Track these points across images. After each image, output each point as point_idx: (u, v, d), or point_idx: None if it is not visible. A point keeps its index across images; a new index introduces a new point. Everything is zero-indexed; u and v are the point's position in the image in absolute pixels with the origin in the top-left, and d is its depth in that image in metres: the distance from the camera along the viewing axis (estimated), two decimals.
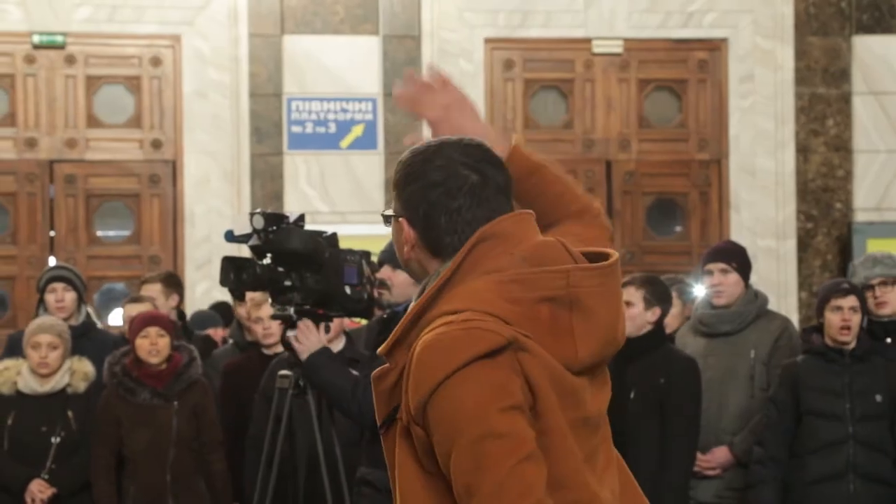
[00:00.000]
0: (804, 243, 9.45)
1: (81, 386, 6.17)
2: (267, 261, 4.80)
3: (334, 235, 4.90)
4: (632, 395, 5.42)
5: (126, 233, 9.23)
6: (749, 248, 6.68)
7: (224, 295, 7.46)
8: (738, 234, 9.13)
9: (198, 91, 9.04)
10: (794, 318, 8.80)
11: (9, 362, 6.27)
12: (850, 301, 5.63)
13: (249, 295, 5.75)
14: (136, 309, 6.45)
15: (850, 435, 5.55)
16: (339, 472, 4.91)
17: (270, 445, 4.96)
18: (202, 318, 7.91)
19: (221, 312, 7.67)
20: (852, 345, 5.63)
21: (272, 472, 4.94)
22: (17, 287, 9.07)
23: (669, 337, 6.00)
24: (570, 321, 2.24)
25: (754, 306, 5.99)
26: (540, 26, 9.37)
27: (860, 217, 9.45)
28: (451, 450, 2.15)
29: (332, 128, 9.17)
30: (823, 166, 9.49)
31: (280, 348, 5.52)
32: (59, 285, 6.65)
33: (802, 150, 9.48)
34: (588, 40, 9.46)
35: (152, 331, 6.00)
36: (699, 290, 6.71)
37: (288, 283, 4.79)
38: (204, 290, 8.89)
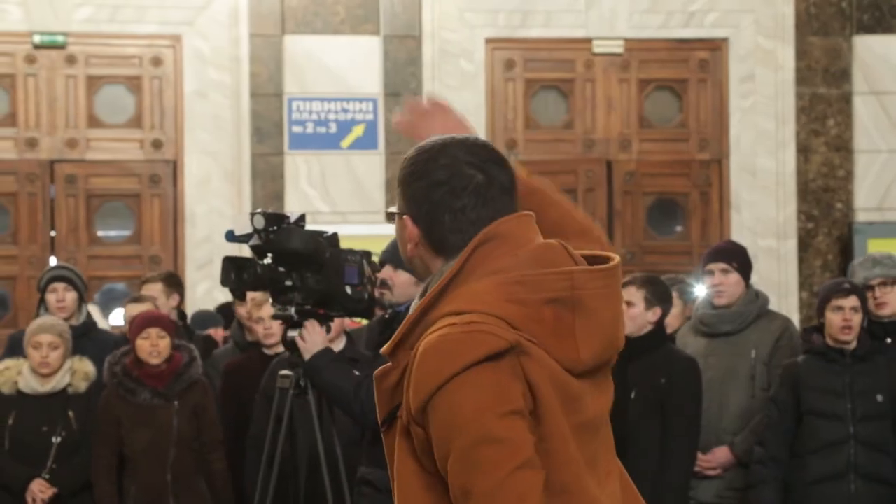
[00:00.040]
0: (805, 243, 9.45)
1: (82, 386, 6.17)
2: (268, 261, 4.80)
3: (335, 235, 4.90)
4: (632, 395, 5.42)
5: (127, 233, 9.24)
6: (750, 248, 6.68)
7: (225, 295, 7.47)
8: (738, 234, 9.13)
9: (198, 91, 9.04)
10: (795, 318, 8.80)
11: (10, 362, 6.27)
12: (852, 301, 5.63)
13: (250, 295, 5.74)
14: (138, 309, 6.45)
15: (851, 435, 5.55)
16: (340, 472, 4.90)
17: (271, 445, 4.96)
18: (203, 318, 7.92)
19: (226, 314, 7.67)
20: (853, 345, 5.63)
21: (273, 472, 4.94)
22: (17, 287, 9.07)
23: (670, 337, 6.00)
24: (573, 323, 2.23)
25: (755, 306, 5.98)
26: (540, 26, 9.37)
27: (861, 217, 9.45)
28: (449, 452, 2.15)
29: (333, 128, 9.17)
30: (824, 166, 9.49)
31: (281, 348, 5.52)
32: (59, 285, 6.65)
33: (803, 150, 9.48)
34: (589, 40, 9.46)
35: (153, 332, 6.00)
36: (700, 290, 6.71)
37: (289, 283, 4.79)
38: (205, 290, 8.89)
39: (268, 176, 9.08)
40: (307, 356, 4.79)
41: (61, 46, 9.05)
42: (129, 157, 9.18)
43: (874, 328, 5.82)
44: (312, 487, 4.99)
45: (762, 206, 9.41)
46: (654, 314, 5.61)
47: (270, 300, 4.97)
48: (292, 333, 4.85)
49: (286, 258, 4.75)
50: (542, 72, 9.52)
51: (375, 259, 5.18)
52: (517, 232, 2.30)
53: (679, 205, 9.63)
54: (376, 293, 4.98)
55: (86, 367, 6.21)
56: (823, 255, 9.46)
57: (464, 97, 9.23)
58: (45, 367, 6.10)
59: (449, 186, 2.30)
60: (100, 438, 6.06)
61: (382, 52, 9.19)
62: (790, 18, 9.46)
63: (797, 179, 9.45)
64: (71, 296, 6.65)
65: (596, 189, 9.47)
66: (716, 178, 9.56)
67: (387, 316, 4.84)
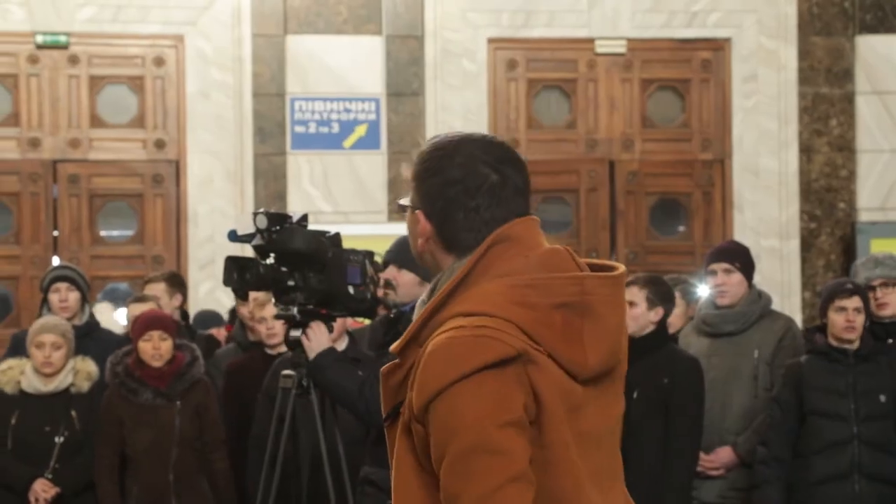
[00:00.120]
0: (808, 243, 9.45)
1: (85, 385, 6.17)
2: (270, 260, 4.80)
3: (337, 235, 4.90)
4: (635, 395, 5.42)
5: (129, 233, 9.24)
6: (752, 248, 6.67)
7: (227, 294, 7.47)
8: (741, 234, 9.13)
9: (201, 91, 9.04)
10: (798, 318, 8.80)
11: (12, 362, 6.28)
12: (855, 302, 5.63)
13: (253, 295, 5.74)
14: (140, 308, 6.45)
15: (855, 435, 5.54)
16: (343, 472, 4.90)
17: (273, 445, 4.96)
18: (205, 318, 7.92)
19: (235, 316, 7.66)
20: (856, 345, 5.63)
21: (275, 472, 4.94)
22: (20, 287, 9.07)
23: (673, 337, 6.00)
24: (582, 328, 2.24)
25: (758, 306, 5.98)
26: (543, 26, 9.37)
27: (864, 217, 9.44)
28: (445, 455, 2.16)
29: (336, 128, 9.17)
30: (827, 166, 9.49)
31: (283, 348, 5.52)
32: (62, 285, 6.65)
33: (806, 150, 9.47)
34: (591, 40, 9.46)
35: (155, 334, 6.00)
36: (703, 291, 6.70)
37: (291, 282, 4.79)
38: (207, 289, 8.89)
39: (270, 176, 9.08)
40: (312, 355, 4.79)
41: (64, 46, 9.06)
42: (132, 157, 9.18)
43: (876, 329, 5.82)
44: (315, 487, 4.99)
45: (765, 206, 9.41)
46: (657, 314, 5.60)
47: (273, 300, 4.97)
48: (295, 333, 4.86)
49: (289, 258, 4.75)
50: (545, 72, 9.52)
51: (378, 259, 5.18)
52: (528, 235, 2.31)
53: (682, 205, 9.63)
54: (381, 293, 4.98)
55: (88, 366, 6.21)
56: (826, 256, 9.45)
57: (466, 97, 9.23)
58: (47, 367, 6.10)
59: (464, 185, 2.30)
60: (102, 438, 6.06)
61: (385, 52, 9.19)
62: (793, 18, 9.46)
63: (800, 179, 9.45)
64: (74, 296, 6.65)
65: (598, 189, 9.47)
66: (718, 178, 9.56)
67: (392, 315, 4.84)
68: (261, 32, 9.08)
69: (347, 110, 9.17)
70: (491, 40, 9.36)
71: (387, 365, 2.34)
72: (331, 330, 4.88)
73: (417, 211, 2.35)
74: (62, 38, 9.03)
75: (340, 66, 9.15)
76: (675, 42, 9.52)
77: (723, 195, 9.54)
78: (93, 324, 6.78)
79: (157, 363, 6.00)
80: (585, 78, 9.53)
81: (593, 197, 9.47)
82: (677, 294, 6.28)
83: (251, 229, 4.70)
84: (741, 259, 6.04)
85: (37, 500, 6.07)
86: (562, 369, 2.22)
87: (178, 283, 7.26)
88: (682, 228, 9.66)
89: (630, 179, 9.53)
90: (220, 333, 7.63)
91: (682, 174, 9.60)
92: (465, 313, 2.21)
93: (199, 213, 9.02)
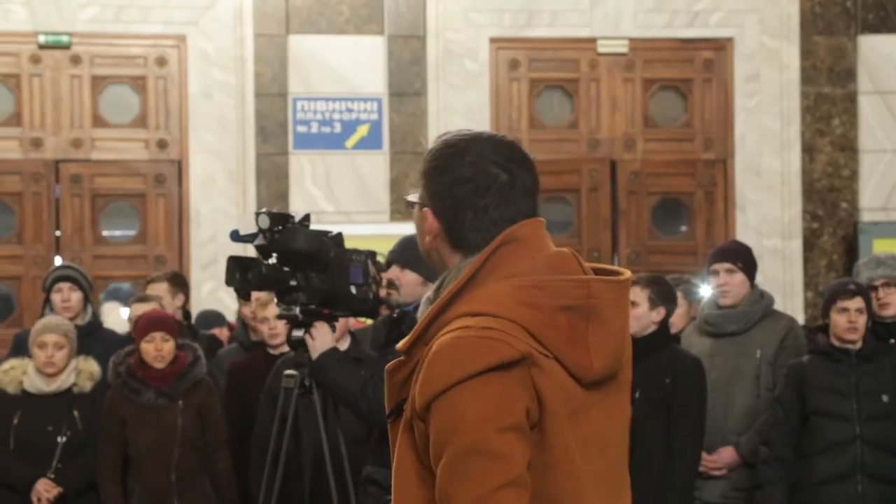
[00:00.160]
0: (810, 243, 9.44)
1: (87, 385, 6.17)
2: (272, 260, 4.80)
3: (340, 235, 4.90)
4: (637, 396, 5.41)
5: (132, 232, 9.24)
6: (755, 247, 6.67)
7: (230, 294, 7.47)
8: (743, 234, 9.13)
9: (203, 91, 9.04)
10: (800, 318, 8.80)
11: (15, 362, 6.28)
12: (857, 303, 5.63)
13: (255, 295, 5.74)
14: (143, 308, 6.44)
15: (858, 435, 5.54)
16: (345, 472, 4.90)
17: (276, 445, 4.96)
18: (207, 318, 7.92)
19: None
20: (858, 345, 5.63)
21: (278, 472, 4.94)
22: (22, 287, 9.08)
23: (675, 337, 6.00)
24: (586, 331, 2.24)
25: (760, 306, 5.98)
26: (545, 26, 9.37)
27: (866, 217, 9.44)
28: (443, 454, 2.16)
29: (338, 128, 9.17)
30: (829, 166, 9.48)
31: (285, 348, 5.52)
32: (65, 285, 6.65)
33: (808, 150, 9.47)
34: (593, 40, 9.46)
35: (157, 336, 5.99)
36: (705, 290, 6.70)
37: (293, 282, 4.79)
38: (209, 289, 8.90)
39: (272, 176, 9.08)
40: (315, 354, 4.79)
41: (66, 46, 9.06)
42: (134, 157, 9.19)
43: (878, 328, 5.82)
44: (317, 487, 4.98)
45: (767, 205, 9.40)
46: (658, 314, 5.60)
47: (275, 300, 4.97)
48: (297, 333, 4.85)
49: (291, 258, 4.75)
50: (547, 71, 9.52)
51: (380, 259, 5.18)
52: (535, 236, 2.31)
53: (684, 205, 9.63)
54: (384, 293, 4.98)
55: (91, 366, 6.21)
56: (828, 255, 9.45)
57: (468, 97, 9.23)
58: (50, 367, 6.10)
59: (473, 184, 2.30)
60: (104, 438, 6.06)
61: (387, 52, 9.19)
62: (795, 18, 9.45)
63: (802, 179, 9.45)
64: (76, 295, 6.65)
65: (599, 189, 9.47)
66: (721, 177, 9.55)
67: (395, 315, 4.84)
68: (263, 32, 9.09)
69: (349, 110, 9.17)
70: (493, 40, 9.36)
71: (392, 362, 2.34)
72: (333, 330, 4.88)
73: (426, 208, 2.35)
74: (64, 38, 9.04)
75: (342, 66, 9.15)
76: (678, 42, 9.52)
77: (725, 195, 9.54)
78: (95, 324, 6.78)
79: (159, 364, 6.00)
80: (587, 78, 9.54)
81: (594, 197, 9.47)
82: (679, 294, 6.27)
83: (253, 229, 4.70)
84: (743, 259, 6.04)
85: (39, 499, 6.07)
86: (566, 372, 2.22)
87: (180, 283, 7.26)
88: (684, 228, 9.66)
89: (632, 179, 9.53)
90: (222, 333, 7.64)
91: (684, 174, 9.60)
92: (472, 313, 2.21)
93: (202, 213, 9.02)
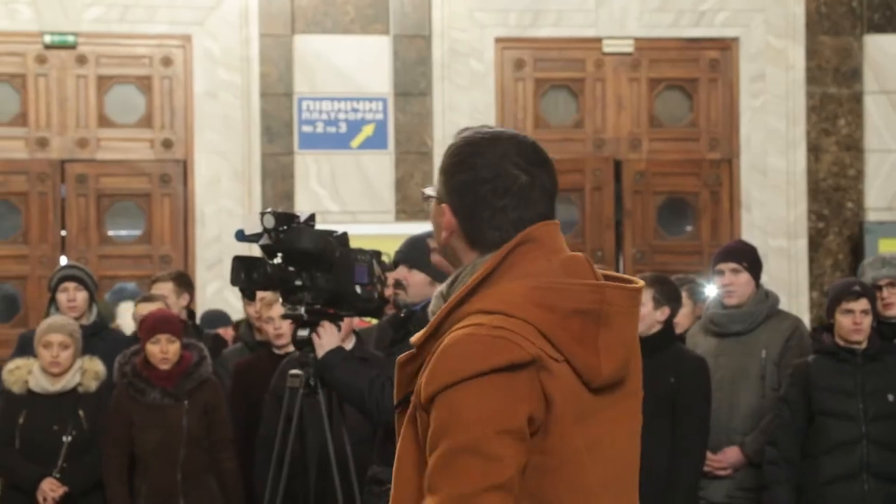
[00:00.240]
0: (815, 243, 9.43)
1: (92, 385, 6.18)
2: (277, 260, 4.80)
3: (345, 235, 4.90)
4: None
5: (137, 232, 9.25)
6: (760, 247, 6.67)
7: (235, 294, 7.47)
8: (749, 234, 9.12)
9: (208, 91, 9.05)
10: (806, 318, 8.79)
11: (20, 361, 6.28)
12: (862, 304, 5.62)
13: (260, 294, 5.75)
14: (148, 308, 6.44)
15: (864, 435, 5.54)
16: (350, 471, 4.91)
17: (281, 445, 4.96)
18: (212, 318, 7.93)
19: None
20: (864, 345, 5.63)
21: (283, 472, 4.94)
22: (28, 286, 9.09)
23: (680, 337, 5.99)
24: (597, 336, 2.24)
25: (765, 306, 5.98)
26: (551, 26, 9.37)
27: (872, 216, 9.43)
28: (437, 447, 2.16)
29: (343, 127, 9.17)
30: (835, 165, 9.47)
31: (290, 348, 5.53)
32: (70, 284, 6.66)
33: (814, 150, 9.46)
34: (599, 40, 9.45)
35: (163, 337, 5.99)
36: (710, 290, 6.70)
37: (298, 282, 4.79)
38: (215, 289, 8.90)
39: (278, 175, 9.09)
40: (321, 352, 4.79)
41: (72, 46, 9.07)
42: (140, 157, 9.20)
43: (883, 328, 5.82)
44: (322, 487, 4.99)
45: (773, 205, 9.40)
46: (663, 313, 5.60)
47: (280, 300, 4.97)
48: (302, 333, 4.86)
49: (296, 258, 4.75)
50: (552, 71, 9.52)
51: (385, 259, 5.18)
52: (552, 238, 2.32)
53: (689, 204, 9.62)
54: (391, 293, 4.98)
55: (96, 366, 6.21)
56: (834, 255, 9.44)
57: (473, 97, 9.23)
58: (55, 367, 6.11)
59: (493, 185, 2.30)
60: (110, 438, 6.06)
61: (392, 52, 9.19)
62: (801, 18, 9.44)
63: (808, 179, 9.44)
64: (82, 295, 6.66)
65: (603, 188, 9.46)
66: (726, 177, 9.55)
67: (402, 315, 4.84)
68: (268, 32, 9.09)
69: (355, 110, 9.18)
70: (498, 40, 9.36)
71: (404, 353, 2.35)
72: (338, 329, 4.89)
73: (443, 204, 2.36)
74: (70, 38, 9.04)
75: (348, 66, 9.15)
76: (683, 41, 9.52)
77: (730, 195, 9.53)
78: (100, 323, 6.79)
79: (164, 366, 6.00)
80: (593, 77, 9.53)
81: (598, 196, 9.47)
82: (685, 294, 6.27)
83: (258, 229, 4.70)
84: (749, 259, 6.04)
85: (45, 499, 6.07)
86: (575, 375, 2.22)
87: (185, 282, 7.26)
88: (689, 228, 9.66)
89: (637, 179, 9.53)
90: (227, 333, 7.64)
91: (689, 174, 9.59)
92: (486, 311, 2.21)
93: (207, 213, 9.02)
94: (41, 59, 9.09)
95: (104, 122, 9.18)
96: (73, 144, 9.13)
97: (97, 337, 6.58)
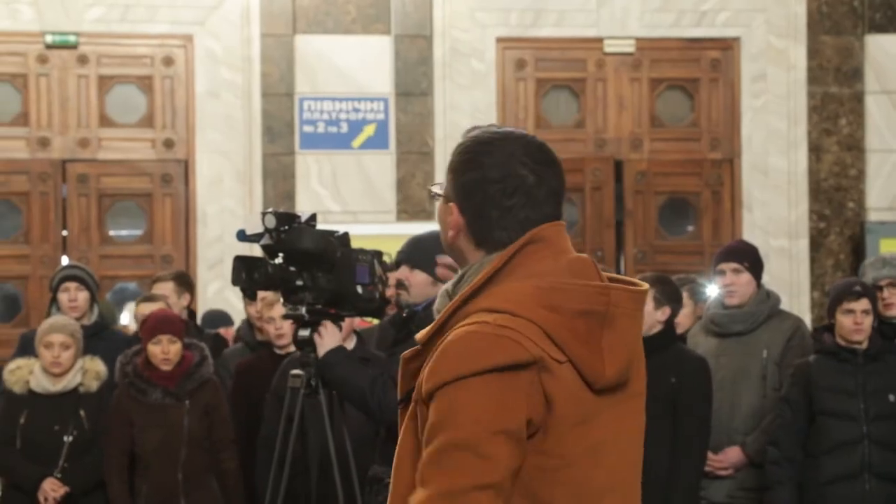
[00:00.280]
0: (817, 243, 9.43)
1: (93, 385, 6.18)
2: (279, 260, 4.80)
3: (346, 235, 4.90)
4: None
5: (138, 232, 9.25)
6: (761, 247, 6.67)
7: (236, 294, 7.48)
8: (750, 234, 9.12)
9: (210, 91, 9.05)
10: (807, 318, 8.79)
11: (21, 361, 6.28)
12: (863, 304, 5.62)
13: (261, 294, 5.74)
14: (150, 308, 6.45)
15: (865, 435, 5.54)
16: (351, 472, 4.91)
17: (282, 445, 4.96)
18: (213, 318, 7.93)
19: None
20: (865, 345, 5.63)
21: (284, 472, 4.94)
22: (29, 286, 9.09)
23: (681, 337, 5.99)
24: (601, 337, 2.24)
25: (766, 306, 5.98)
26: (552, 26, 9.37)
27: (873, 216, 9.43)
28: (432, 441, 2.17)
29: (344, 127, 9.18)
30: (836, 165, 9.47)
31: (292, 348, 5.52)
32: (71, 284, 6.66)
33: (815, 150, 9.46)
34: (600, 40, 9.45)
35: (164, 338, 5.99)
36: (711, 290, 6.70)
37: (300, 282, 4.79)
38: (216, 289, 8.90)
39: (279, 175, 9.09)
40: (322, 351, 4.79)
41: (73, 46, 9.07)
42: (141, 157, 9.20)
43: (884, 328, 5.82)
44: (323, 487, 4.99)
45: (774, 205, 9.40)
46: (664, 313, 5.60)
47: (281, 300, 4.97)
48: (303, 333, 4.86)
49: (297, 258, 4.75)
50: (554, 71, 9.52)
51: (386, 259, 5.18)
52: (558, 239, 2.32)
53: (691, 204, 9.63)
54: (393, 293, 4.97)
55: (97, 366, 6.21)
56: (835, 255, 9.44)
57: (475, 97, 9.23)
58: (56, 367, 6.11)
59: (502, 185, 2.31)
60: (112, 438, 6.06)
61: (393, 52, 9.19)
62: (802, 17, 9.44)
63: (809, 179, 9.44)
64: (83, 295, 6.66)
65: (603, 188, 9.47)
66: (727, 177, 9.55)
67: (404, 315, 4.84)
68: (270, 32, 9.09)
69: (356, 110, 9.18)
70: (499, 40, 9.36)
71: (409, 349, 2.36)
72: (339, 329, 4.89)
73: (451, 203, 2.36)
74: (71, 38, 9.05)
75: (349, 66, 9.16)
76: (684, 41, 9.52)
77: (732, 195, 9.53)
78: (101, 323, 6.79)
79: (166, 367, 6.00)
80: (594, 77, 9.53)
81: (598, 196, 9.47)
82: (686, 294, 6.28)
83: (260, 229, 4.70)
84: (750, 259, 6.04)
85: (46, 499, 6.08)
86: (578, 376, 2.22)
87: (186, 282, 7.26)
88: (690, 228, 9.66)
89: (639, 179, 9.53)
90: (228, 333, 7.64)
91: (690, 173, 9.59)
92: (491, 309, 2.22)
93: (208, 213, 9.03)
94: (42, 59, 9.09)
95: (105, 121, 9.18)
96: (74, 144, 9.14)
97: (98, 337, 6.58)
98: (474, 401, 2.15)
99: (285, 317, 5.08)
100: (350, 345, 5.16)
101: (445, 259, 4.18)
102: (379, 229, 8.47)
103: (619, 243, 9.54)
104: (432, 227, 5.68)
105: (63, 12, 8.99)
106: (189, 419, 6.01)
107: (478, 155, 2.33)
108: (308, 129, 9.14)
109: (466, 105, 9.20)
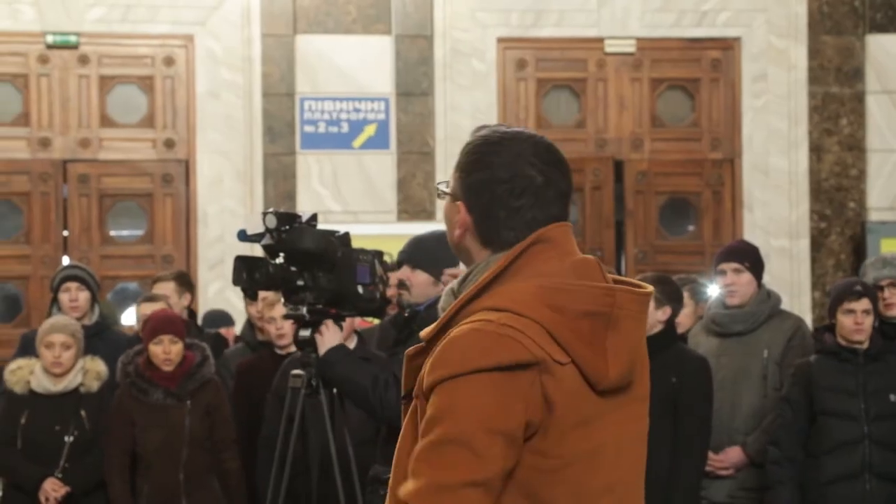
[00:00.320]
0: (817, 243, 9.43)
1: (94, 385, 6.18)
2: (279, 260, 4.80)
3: (347, 235, 4.90)
4: None
5: (139, 232, 9.25)
6: (762, 247, 6.67)
7: (237, 294, 7.48)
8: (751, 234, 9.12)
9: (211, 91, 9.05)
10: (808, 318, 8.79)
11: (22, 362, 6.29)
12: (863, 304, 5.62)
13: (262, 294, 5.74)
14: (151, 308, 6.45)
15: (866, 434, 5.54)
16: (352, 472, 4.91)
17: (283, 445, 4.96)
18: (214, 318, 7.93)
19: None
20: (865, 345, 5.63)
21: (285, 472, 4.94)
22: (30, 286, 9.09)
23: (682, 337, 5.99)
24: (605, 338, 2.24)
25: (767, 306, 5.98)
26: (553, 26, 9.37)
27: (874, 216, 9.43)
28: (427, 435, 2.17)
29: (345, 127, 9.18)
30: (837, 165, 9.47)
31: (293, 348, 5.52)
32: (72, 284, 6.66)
33: (816, 150, 9.46)
34: (601, 40, 9.46)
35: (165, 338, 6.00)
36: (712, 290, 6.70)
37: (300, 282, 4.79)
38: (217, 289, 8.90)
39: (280, 175, 9.09)
40: (323, 350, 4.79)
41: (74, 46, 9.07)
42: (142, 157, 9.20)
43: (884, 328, 5.82)
44: (324, 487, 4.99)
45: (775, 205, 9.40)
46: (664, 313, 5.60)
47: (282, 300, 4.97)
48: (304, 333, 4.86)
49: (298, 257, 4.75)
50: (554, 71, 9.52)
51: (387, 259, 5.18)
52: (565, 240, 2.32)
53: (691, 204, 9.63)
54: (394, 293, 4.97)
55: (98, 366, 6.22)
56: (836, 255, 9.44)
57: (475, 97, 9.23)
58: (57, 367, 6.11)
59: (509, 185, 2.31)
60: (113, 438, 6.06)
61: (394, 52, 9.19)
62: (803, 17, 9.44)
63: (810, 179, 9.44)
64: (84, 295, 6.66)
65: (603, 188, 9.47)
66: (728, 177, 9.55)
67: (406, 315, 4.84)
68: (270, 32, 9.09)
69: (357, 110, 9.18)
70: (500, 40, 9.37)
71: (413, 346, 2.36)
72: (340, 329, 4.89)
73: (458, 202, 2.36)
74: (72, 38, 9.05)
75: (350, 66, 9.16)
76: (685, 41, 9.52)
77: (732, 195, 9.53)
78: (102, 323, 6.79)
79: (167, 368, 6.00)
80: (595, 77, 9.53)
81: (598, 195, 9.47)
82: (686, 294, 6.27)
83: (260, 229, 4.70)
84: (750, 259, 6.04)
85: (47, 499, 6.08)
86: (582, 377, 2.22)
87: (186, 282, 7.27)
88: (691, 228, 9.66)
89: (639, 179, 9.53)
90: (229, 333, 7.64)
91: (691, 173, 9.59)
92: (496, 308, 2.22)
93: (209, 213, 9.03)
94: (43, 59, 9.09)
95: (106, 122, 9.19)
96: (75, 144, 9.14)
97: (99, 337, 6.59)
98: (473, 398, 2.15)
99: (286, 317, 5.08)
100: (351, 345, 5.15)
101: (456, 272, 4.20)
102: (379, 229, 8.47)
103: (619, 243, 9.54)
104: (433, 227, 5.69)
105: (64, 12, 8.99)
106: (190, 419, 6.01)
107: (486, 155, 2.34)
108: (309, 129, 9.14)
109: (467, 105, 9.20)
